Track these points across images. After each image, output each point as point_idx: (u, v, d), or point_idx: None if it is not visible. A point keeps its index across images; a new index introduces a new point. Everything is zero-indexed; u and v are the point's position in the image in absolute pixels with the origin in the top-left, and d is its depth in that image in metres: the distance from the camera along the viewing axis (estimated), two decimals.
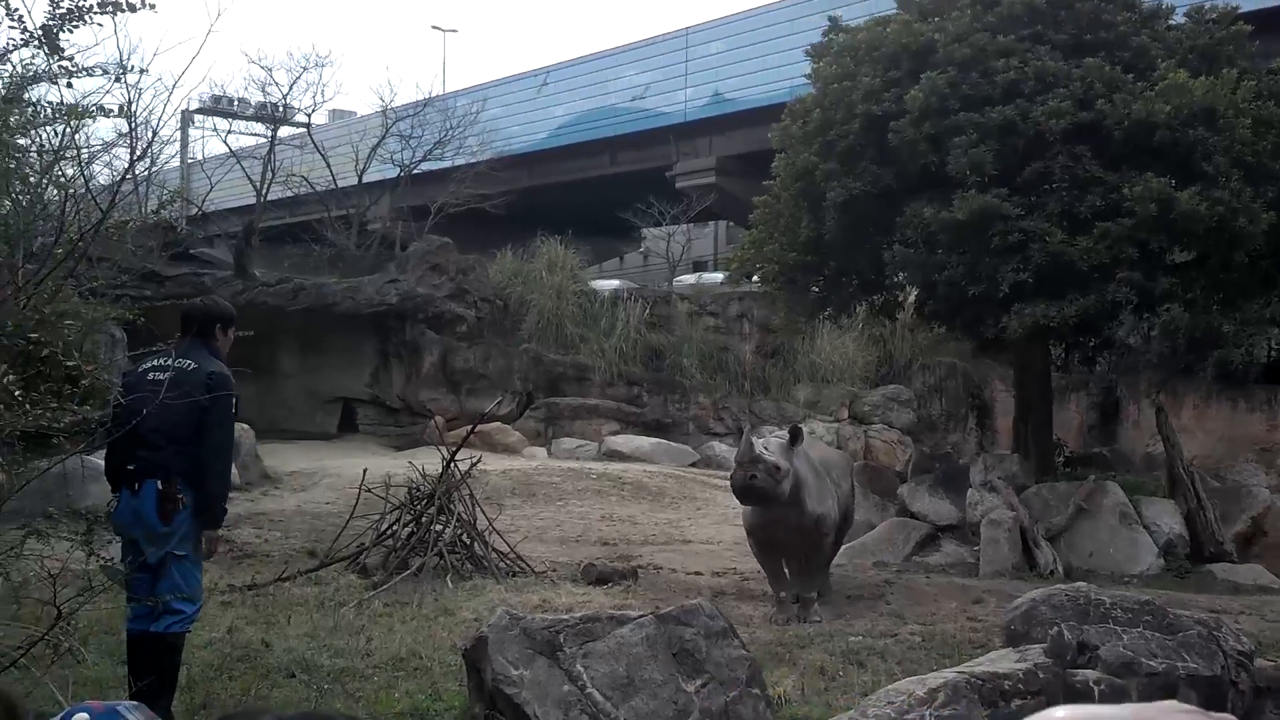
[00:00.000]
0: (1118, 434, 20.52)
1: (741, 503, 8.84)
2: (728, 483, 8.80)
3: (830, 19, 13.93)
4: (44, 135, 6.06)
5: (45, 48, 5.30)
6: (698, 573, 10.75)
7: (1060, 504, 12.22)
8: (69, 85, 5.60)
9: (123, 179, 6.86)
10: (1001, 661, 6.09)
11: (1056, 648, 6.31)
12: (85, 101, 5.69)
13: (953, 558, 12.14)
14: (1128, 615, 6.80)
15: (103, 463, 5.83)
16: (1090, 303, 11.37)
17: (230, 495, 6.26)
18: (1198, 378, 19.70)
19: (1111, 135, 11.49)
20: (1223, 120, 11.38)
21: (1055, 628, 6.56)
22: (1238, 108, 11.42)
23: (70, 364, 6.09)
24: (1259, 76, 12.06)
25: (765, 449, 8.56)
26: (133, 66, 6.34)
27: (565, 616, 6.02)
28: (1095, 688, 6.05)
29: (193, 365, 5.70)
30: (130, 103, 7.24)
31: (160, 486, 5.53)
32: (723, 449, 20.10)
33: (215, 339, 5.93)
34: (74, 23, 5.25)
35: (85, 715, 1.85)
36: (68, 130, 5.78)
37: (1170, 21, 12.89)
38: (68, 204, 5.60)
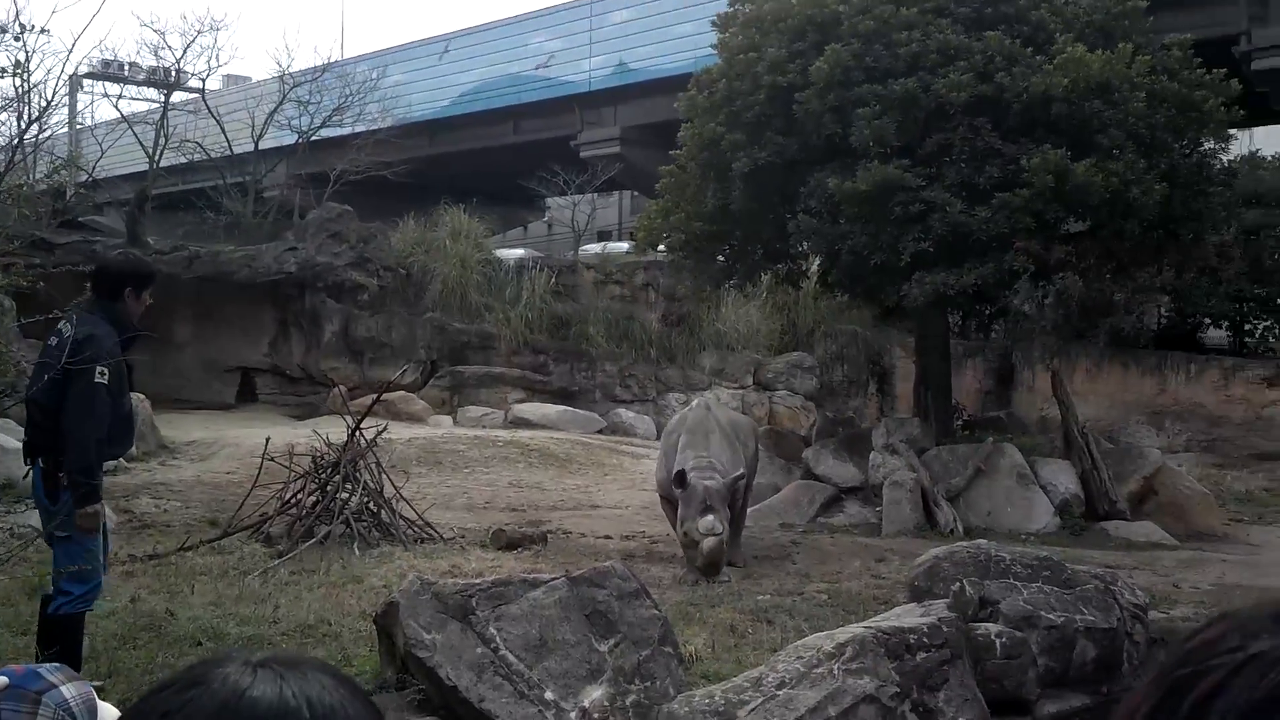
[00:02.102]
0: (1014, 398, 21.05)
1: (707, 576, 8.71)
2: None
3: None
4: None
5: None
6: (607, 537, 10.81)
7: (959, 465, 12.51)
8: None
9: (19, 143, 6.65)
10: (906, 616, 6.23)
11: (959, 602, 6.48)
12: None
13: (856, 518, 12.38)
14: (1027, 571, 7.00)
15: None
16: (988, 271, 11.62)
17: (128, 466, 6.15)
18: (1091, 344, 20.29)
19: (1010, 108, 11.72)
20: (1118, 94, 11.65)
21: (957, 583, 6.74)
22: (1133, 82, 11.70)
23: None
24: (1154, 51, 12.36)
25: (718, 523, 8.56)
26: (31, 25, 6.16)
27: (477, 581, 6.02)
28: (997, 640, 6.22)
29: (74, 331, 5.45)
30: (25, 61, 7.00)
31: (43, 464, 5.46)
32: (629, 416, 20.18)
33: (122, 301, 5.63)
34: None
35: (4, 679, 1.80)
36: None
37: None
38: None
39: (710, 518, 8.55)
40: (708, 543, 8.47)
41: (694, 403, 10.34)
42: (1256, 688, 0.60)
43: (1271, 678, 0.61)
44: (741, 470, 9.57)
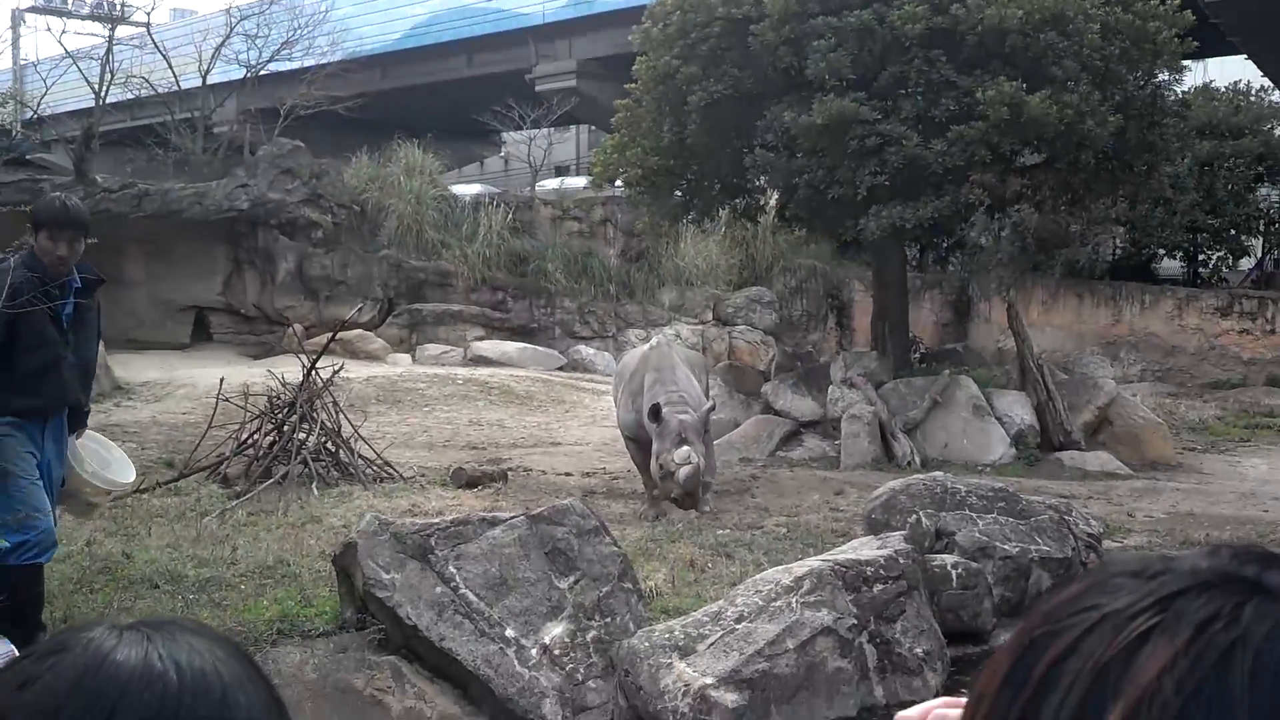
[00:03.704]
0: (970, 330, 21.20)
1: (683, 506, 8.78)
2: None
3: None
4: None
5: None
6: (567, 474, 10.83)
7: (916, 398, 12.61)
8: None
9: None
10: (863, 549, 6.30)
11: (915, 534, 6.56)
12: None
13: (815, 452, 12.47)
14: (982, 502, 7.09)
15: None
16: (944, 204, 11.64)
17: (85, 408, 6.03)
18: (1046, 275, 20.42)
19: (965, 40, 11.67)
20: (1072, 26, 11.62)
21: (914, 515, 6.81)
22: (1087, 14, 11.67)
23: None
24: None
25: (693, 453, 8.59)
26: None
27: (436, 520, 6.01)
28: (953, 571, 6.31)
29: None
30: None
31: None
32: (589, 352, 20.16)
33: (35, 242, 5.51)
34: None
35: None
36: None
37: None
38: None
39: (685, 449, 8.59)
40: (683, 471, 8.49)
41: (653, 341, 10.30)
42: (1109, 645, 0.60)
43: (1124, 636, 0.60)
44: (712, 403, 9.72)
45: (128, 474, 6.27)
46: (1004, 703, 0.63)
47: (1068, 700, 0.59)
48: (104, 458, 6.14)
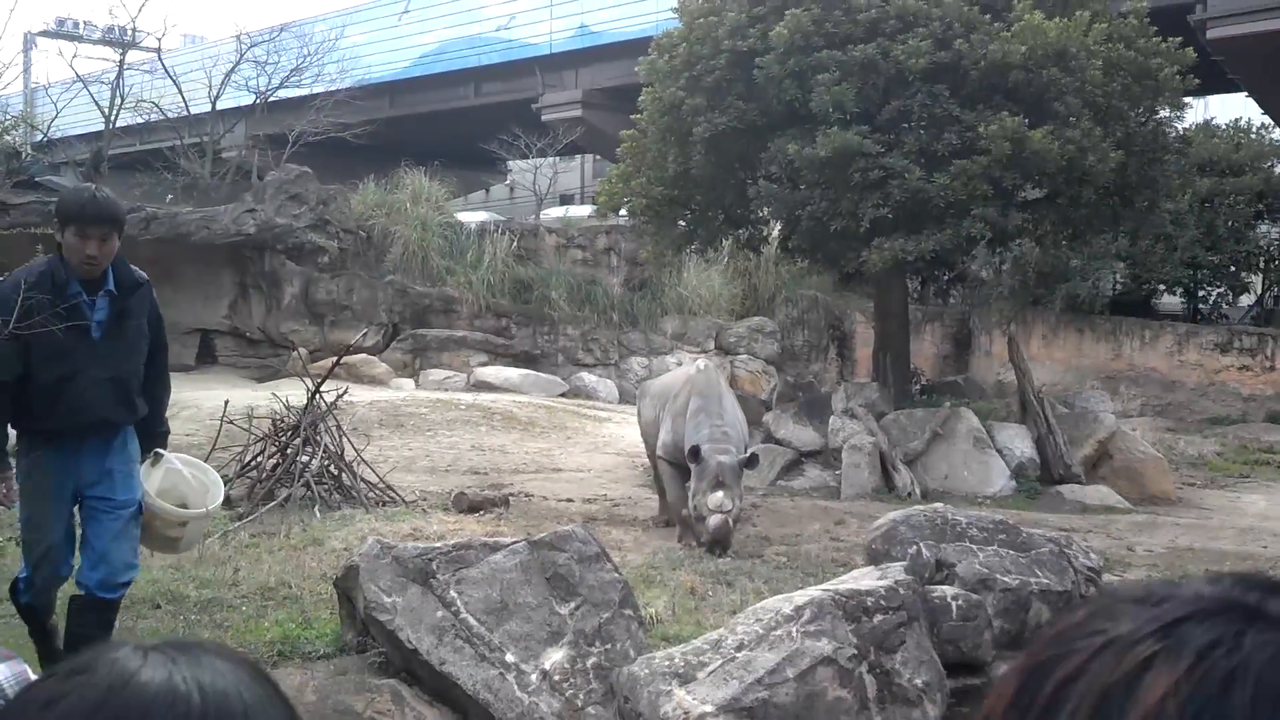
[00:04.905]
0: (971, 363, 21.24)
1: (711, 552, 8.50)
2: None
3: None
4: None
5: None
6: (569, 500, 10.85)
7: (917, 430, 12.64)
8: None
9: None
10: (864, 579, 6.32)
11: (915, 565, 6.58)
12: None
13: (816, 481, 12.49)
14: (983, 534, 7.11)
15: None
16: (946, 238, 11.71)
17: None
18: (1047, 309, 20.49)
19: (969, 75, 11.77)
20: (1075, 61, 11.73)
21: (914, 546, 6.83)
22: (1089, 50, 11.78)
23: None
24: (1110, 19, 12.45)
25: (727, 500, 8.46)
26: None
27: (438, 544, 6.04)
28: (953, 603, 6.32)
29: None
30: None
31: None
32: (592, 379, 20.20)
33: (62, 239, 4.94)
34: None
35: None
36: None
37: None
38: None
39: (720, 494, 8.40)
40: (714, 520, 8.33)
41: (699, 364, 10.05)
42: (1113, 670, 0.61)
43: (1128, 660, 0.61)
44: (755, 451, 9.57)
45: (212, 497, 5.62)
46: None
47: None
48: (201, 481, 5.58)
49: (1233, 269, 22.05)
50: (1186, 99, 13.31)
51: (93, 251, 4.81)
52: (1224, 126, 22.86)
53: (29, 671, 1.92)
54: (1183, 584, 0.67)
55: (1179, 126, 13.81)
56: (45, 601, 5.20)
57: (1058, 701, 0.62)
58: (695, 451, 8.57)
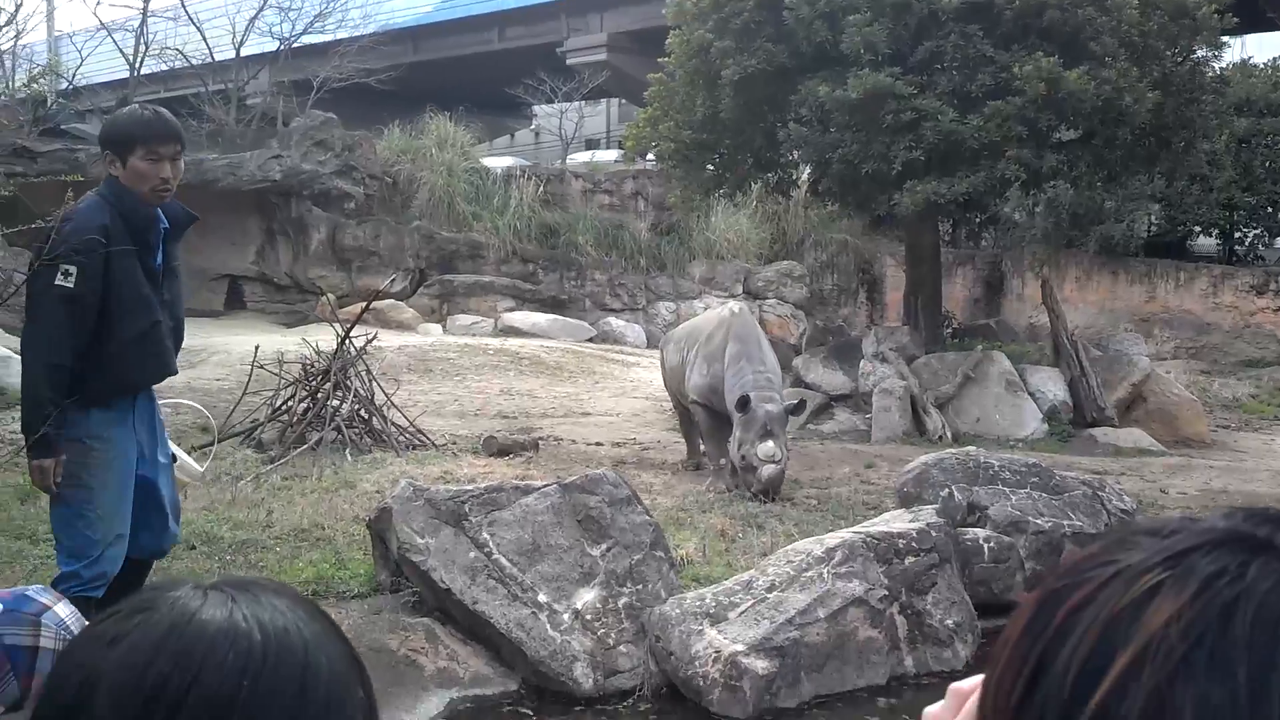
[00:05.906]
0: (1003, 306, 21.09)
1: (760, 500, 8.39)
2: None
3: None
4: None
5: None
6: (598, 443, 10.86)
7: (949, 373, 12.56)
8: None
9: None
10: (895, 522, 6.31)
11: (947, 508, 6.56)
12: None
13: (846, 425, 12.46)
14: (1015, 477, 7.08)
15: None
16: (979, 180, 11.58)
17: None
18: (1081, 252, 20.28)
19: (1003, 14, 11.59)
20: (1110, 1, 11.52)
21: (946, 489, 6.81)
22: None
23: None
24: None
25: (778, 450, 8.39)
26: None
27: (469, 487, 6.06)
28: (985, 545, 6.31)
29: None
30: None
31: None
32: (619, 324, 20.17)
33: (126, 170, 4.30)
34: None
35: None
36: None
37: None
38: None
39: (770, 444, 8.31)
40: (767, 470, 8.25)
41: (733, 306, 9.85)
42: (1120, 597, 0.64)
43: (1135, 588, 0.64)
44: (802, 398, 10.04)
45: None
46: (1025, 647, 0.66)
47: (1081, 646, 0.63)
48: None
49: (1269, 210, 21.72)
50: (1224, 38, 13.05)
51: (167, 174, 4.33)
52: (1262, 66, 22.43)
53: (75, 610, 1.93)
54: (1197, 518, 0.69)
55: (1216, 66, 13.56)
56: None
57: (1068, 626, 0.64)
58: (745, 401, 8.42)
